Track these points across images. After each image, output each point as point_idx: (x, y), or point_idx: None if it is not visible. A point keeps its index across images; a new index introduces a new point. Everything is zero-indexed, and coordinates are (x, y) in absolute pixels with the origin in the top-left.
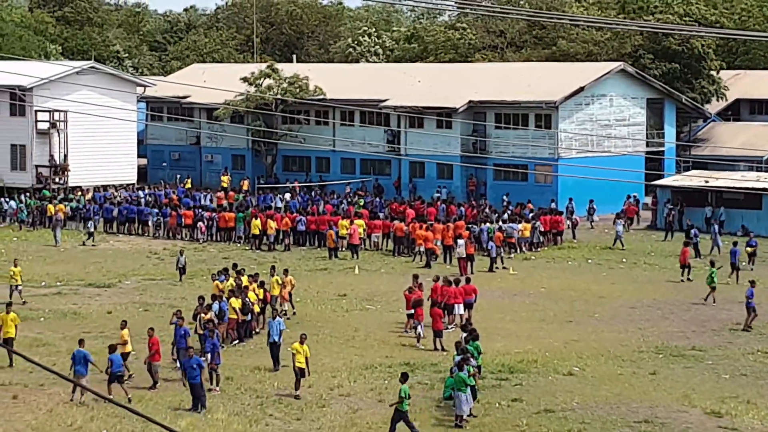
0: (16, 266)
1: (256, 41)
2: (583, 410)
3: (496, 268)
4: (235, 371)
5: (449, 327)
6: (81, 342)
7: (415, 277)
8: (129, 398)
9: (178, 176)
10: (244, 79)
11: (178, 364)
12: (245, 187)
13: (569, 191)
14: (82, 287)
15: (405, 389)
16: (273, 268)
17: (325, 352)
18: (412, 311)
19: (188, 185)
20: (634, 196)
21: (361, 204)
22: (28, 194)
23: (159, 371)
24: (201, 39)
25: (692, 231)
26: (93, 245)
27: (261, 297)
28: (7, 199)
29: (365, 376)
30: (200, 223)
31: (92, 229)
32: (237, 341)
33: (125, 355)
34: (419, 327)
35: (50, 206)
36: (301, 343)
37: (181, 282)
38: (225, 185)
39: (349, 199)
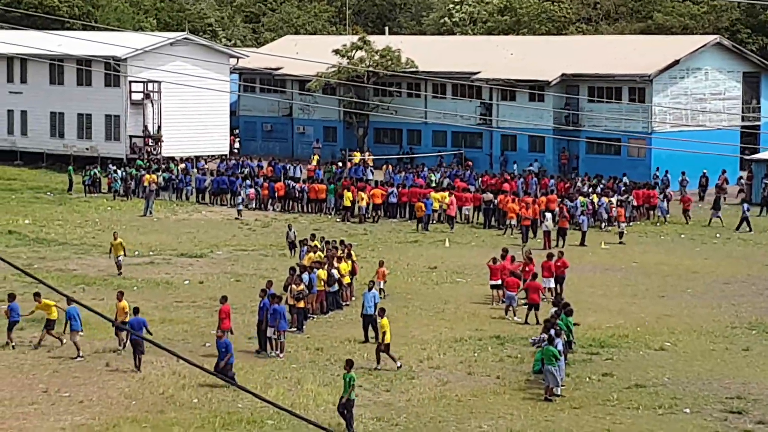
0: (116, 239)
1: (349, 13)
2: (675, 386)
3: (621, 243)
4: (325, 342)
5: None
6: (136, 310)
7: (504, 250)
8: (13, 345)
9: (315, 156)
10: (336, 51)
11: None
12: (370, 162)
13: (663, 165)
14: (175, 257)
15: (352, 377)
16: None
17: (415, 324)
18: (499, 282)
19: (314, 161)
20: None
21: (432, 178)
22: (109, 166)
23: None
24: (294, 11)
25: (744, 205)
26: (238, 218)
27: (350, 269)
28: (114, 168)
29: (455, 349)
30: (251, 190)
31: (241, 207)
32: (322, 313)
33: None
34: (514, 300)
35: (147, 176)
36: (381, 316)
37: (292, 256)
38: (357, 160)
39: (426, 173)
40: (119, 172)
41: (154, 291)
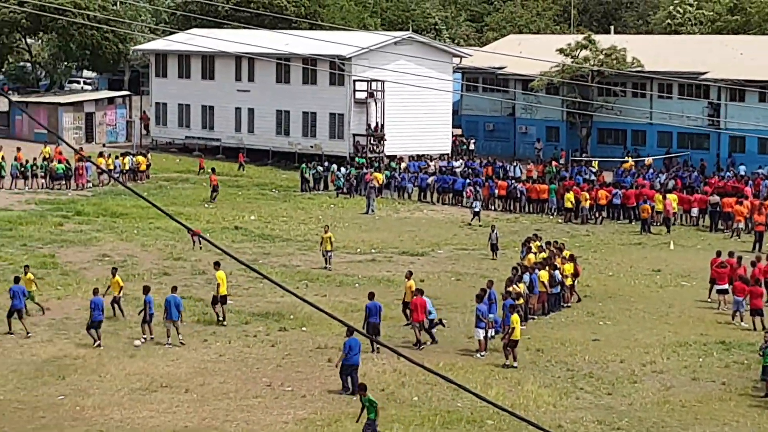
0: (326, 232)
1: (574, 12)
2: None
3: None
4: (546, 343)
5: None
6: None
7: (731, 254)
8: (149, 338)
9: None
10: (561, 51)
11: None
12: (648, 163)
13: None
14: (396, 255)
15: (370, 399)
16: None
17: (638, 327)
18: (726, 286)
19: (595, 166)
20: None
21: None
22: (321, 163)
23: (418, 331)
24: (518, 10)
25: None
26: (480, 225)
27: (572, 271)
28: (335, 167)
29: (679, 354)
30: (469, 188)
31: (478, 209)
32: (543, 314)
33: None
34: (741, 305)
35: (377, 174)
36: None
37: (494, 258)
38: (629, 166)
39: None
40: (342, 169)
41: (376, 288)
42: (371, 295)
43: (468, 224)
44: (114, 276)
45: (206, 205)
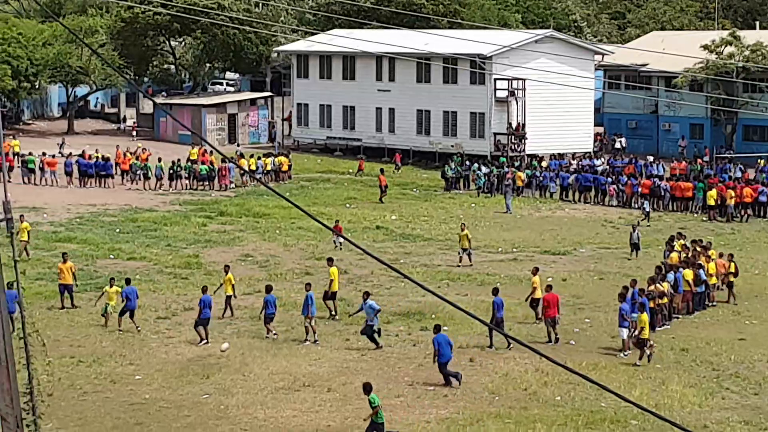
0: (463, 230)
1: (717, 8)
2: None
3: None
4: (690, 343)
5: None
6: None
7: None
8: (275, 335)
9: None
10: (705, 47)
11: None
12: None
13: None
14: (538, 254)
15: (375, 398)
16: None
17: None
18: None
19: (761, 163)
20: None
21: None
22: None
23: (551, 327)
24: (660, 6)
25: None
26: (648, 225)
27: (730, 269)
28: (476, 165)
29: None
30: (612, 187)
31: (648, 209)
32: (687, 313)
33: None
34: None
35: (519, 173)
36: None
37: (635, 258)
38: None
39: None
40: (484, 168)
41: (517, 288)
42: (495, 291)
43: (647, 225)
44: (227, 273)
45: (347, 206)
